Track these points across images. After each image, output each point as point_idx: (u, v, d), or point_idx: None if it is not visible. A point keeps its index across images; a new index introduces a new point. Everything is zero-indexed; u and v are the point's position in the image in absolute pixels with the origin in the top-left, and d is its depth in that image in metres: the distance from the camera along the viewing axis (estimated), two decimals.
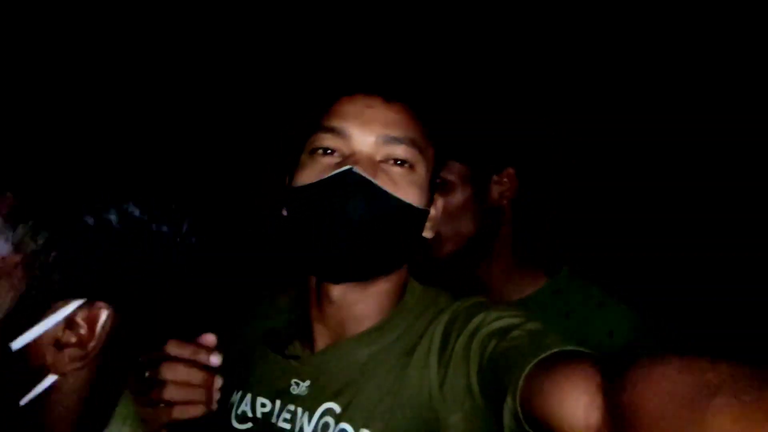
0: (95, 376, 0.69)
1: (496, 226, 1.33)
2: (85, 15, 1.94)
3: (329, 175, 0.84)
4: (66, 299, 0.63)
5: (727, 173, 2.12)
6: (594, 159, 2.19)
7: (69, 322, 0.64)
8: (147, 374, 0.81)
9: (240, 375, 0.99)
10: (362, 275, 0.90)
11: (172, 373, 0.79)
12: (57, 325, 0.63)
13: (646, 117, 2.15)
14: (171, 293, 0.72)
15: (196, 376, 0.80)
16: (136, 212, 0.66)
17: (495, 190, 1.32)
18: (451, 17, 2.10)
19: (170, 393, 0.79)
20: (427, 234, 0.97)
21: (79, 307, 0.64)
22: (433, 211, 0.97)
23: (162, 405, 0.81)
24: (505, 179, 1.32)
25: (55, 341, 0.64)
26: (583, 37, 2.18)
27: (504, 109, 1.37)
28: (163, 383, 0.79)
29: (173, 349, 0.81)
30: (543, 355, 0.68)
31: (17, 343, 0.61)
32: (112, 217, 0.65)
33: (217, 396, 0.84)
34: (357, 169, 0.83)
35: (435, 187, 0.97)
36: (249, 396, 0.96)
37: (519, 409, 0.66)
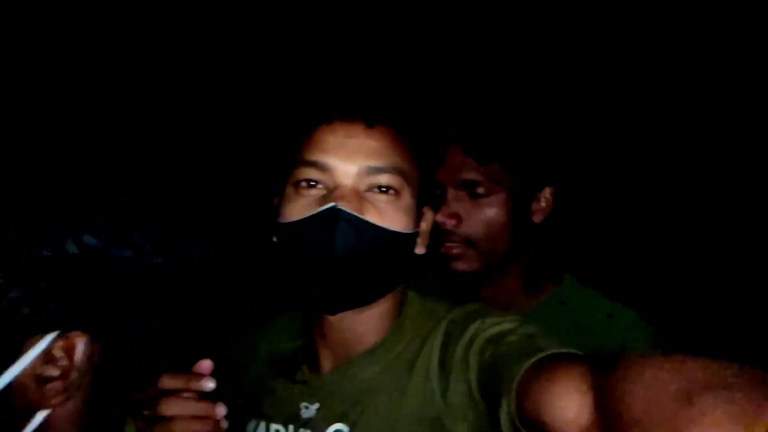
0: (88, 404, 0.69)
1: (527, 244, 1.29)
2: (64, 23, 1.98)
3: (313, 213, 0.84)
4: (39, 334, 0.64)
5: (728, 175, 2.09)
6: (592, 162, 2.18)
7: (47, 356, 0.65)
8: (147, 413, 0.81)
9: (254, 403, 1.00)
10: (356, 305, 0.90)
11: (171, 408, 0.78)
12: (35, 361, 0.64)
13: (647, 119, 2.15)
14: (152, 315, 0.73)
15: (195, 407, 0.79)
16: (93, 241, 0.67)
17: (535, 209, 1.28)
18: (429, 32, 2.12)
19: (177, 428, 0.78)
20: (420, 250, 0.97)
21: (55, 340, 0.65)
22: (423, 226, 0.97)
23: None
24: (544, 198, 1.29)
25: (36, 377, 0.64)
26: (580, 43, 2.19)
27: (544, 125, 1.34)
28: (167, 419, 0.78)
29: (166, 382, 0.80)
30: (536, 358, 0.69)
31: None
32: (70, 247, 0.66)
33: (224, 424, 0.82)
34: (341, 206, 0.83)
35: (423, 203, 0.97)
36: (263, 424, 0.97)
37: (514, 411, 0.67)
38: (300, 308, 1.03)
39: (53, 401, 0.65)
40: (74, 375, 0.66)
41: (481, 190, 1.21)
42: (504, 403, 0.69)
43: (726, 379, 0.47)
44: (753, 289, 1.86)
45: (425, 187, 0.97)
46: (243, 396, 1.02)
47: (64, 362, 0.65)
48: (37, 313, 0.64)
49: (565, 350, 0.71)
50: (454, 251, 1.22)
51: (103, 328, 0.68)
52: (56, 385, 0.65)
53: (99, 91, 2.02)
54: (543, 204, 1.29)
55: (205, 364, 0.82)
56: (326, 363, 0.96)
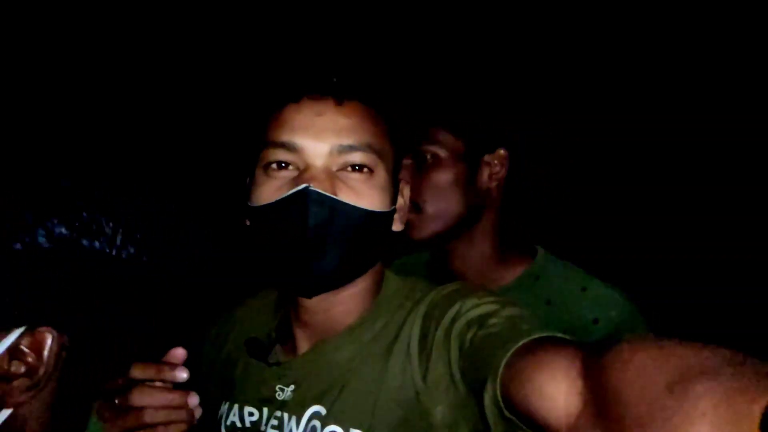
0: (55, 400, 0.68)
1: (480, 209, 1.27)
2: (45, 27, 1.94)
3: (285, 195, 0.82)
4: (5, 330, 0.62)
5: (724, 174, 2.11)
6: (590, 158, 2.17)
7: (13, 352, 0.63)
8: (117, 401, 0.79)
9: (226, 385, 0.98)
10: (333, 287, 0.89)
11: (141, 398, 0.76)
12: (1, 357, 0.62)
13: (642, 116, 2.15)
14: (122, 306, 0.71)
15: (167, 397, 0.77)
16: (63, 230, 0.65)
17: (485, 171, 1.26)
18: (430, 31, 2.10)
19: (148, 417, 0.76)
20: (397, 227, 0.96)
21: (21, 336, 0.63)
22: (400, 201, 0.96)
23: (141, 430, 0.79)
24: (497, 160, 1.26)
25: (1, 374, 0.63)
26: (578, 33, 2.18)
27: (499, 91, 1.34)
28: (137, 409, 0.76)
29: (137, 372, 0.78)
30: (522, 342, 0.67)
31: None
32: (41, 239, 0.64)
33: (198, 412, 0.80)
34: (313, 186, 0.81)
35: (398, 180, 0.95)
36: (236, 406, 0.95)
37: (500, 396, 0.66)
38: (276, 290, 1.01)
39: (20, 398, 0.63)
40: (41, 372, 0.64)
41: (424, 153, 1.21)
42: (489, 388, 0.67)
43: (718, 365, 0.46)
44: (751, 289, 1.89)
45: (401, 162, 0.95)
46: (215, 378, 1.00)
47: (31, 358, 0.64)
48: (3, 308, 0.62)
49: (550, 334, 0.69)
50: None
51: (73, 323, 0.66)
52: (23, 382, 0.63)
53: (96, 91, 1.97)
54: (496, 167, 1.27)
55: (178, 353, 0.80)
56: (302, 344, 0.94)
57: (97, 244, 0.67)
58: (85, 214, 0.67)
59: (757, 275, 1.92)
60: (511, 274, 1.26)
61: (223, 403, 0.97)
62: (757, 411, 0.41)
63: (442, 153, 1.22)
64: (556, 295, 1.19)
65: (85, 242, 0.66)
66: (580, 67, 2.19)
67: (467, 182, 1.23)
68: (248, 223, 0.91)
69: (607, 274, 1.24)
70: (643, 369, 0.50)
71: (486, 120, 1.25)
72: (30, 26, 1.93)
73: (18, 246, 0.62)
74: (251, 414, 0.93)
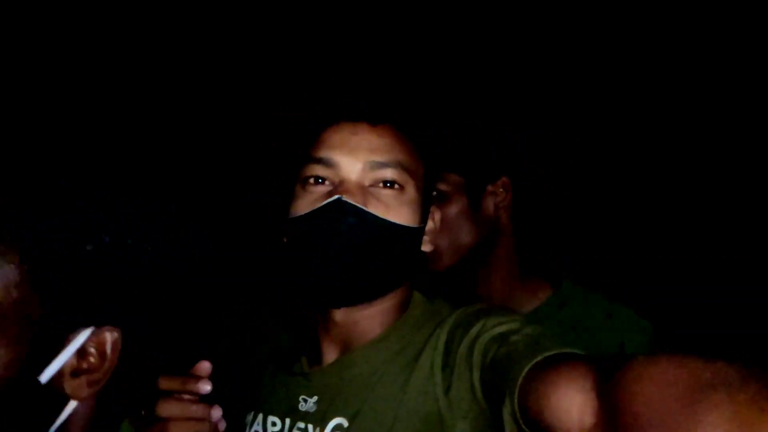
0: (100, 398, 0.74)
1: (494, 237, 1.32)
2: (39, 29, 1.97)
3: (319, 206, 0.88)
4: (77, 330, 0.70)
5: (726, 175, 2.12)
6: (591, 162, 2.18)
7: (80, 351, 0.70)
8: (143, 412, 0.83)
9: (251, 395, 1.02)
10: (361, 299, 0.93)
11: (167, 410, 0.82)
12: (72, 354, 0.70)
13: (644, 118, 2.17)
14: (168, 309, 0.78)
15: (191, 409, 0.82)
16: (127, 239, 0.73)
17: (490, 200, 1.32)
18: (430, 31, 2.16)
19: (173, 428, 0.82)
20: (426, 248, 1.00)
21: (90, 335, 0.71)
22: (430, 224, 1.00)
23: None
24: (501, 189, 1.32)
25: (72, 370, 0.70)
26: (575, 41, 2.20)
27: (494, 117, 1.40)
28: (163, 420, 0.82)
29: (164, 384, 0.84)
30: (540, 357, 0.70)
31: (45, 376, 0.66)
32: (107, 241, 0.71)
33: (222, 425, 0.85)
34: (345, 198, 0.86)
35: (430, 201, 0.99)
36: (261, 416, 0.99)
37: (517, 411, 0.68)
38: (306, 303, 1.05)
39: (85, 393, 0.70)
40: (105, 368, 0.71)
41: None
42: (507, 402, 0.69)
43: (729, 379, 0.47)
44: (751, 289, 1.87)
45: (431, 184, 1.00)
46: (241, 388, 1.04)
47: (95, 357, 0.71)
48: (75, 311, 0.70)
49: (568, 350, 0.71)
50: None
51: (135, 321, 0.74)
52: (89, 377, 0.70)
53: (99, 90, 2.03)
54: (501, 195, 1.32)
55: (204, 366, 0.85)
56: (329, 356, 0.97)
57: (149, 248, 0.75)
58: (141, 221, 0.75)
59: (756, 274, 1.90)
60: (536, 300, 1.30)
61: (249, 413, 1.01)
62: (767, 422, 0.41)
63: (446, 188, 1.29)
64: (581, 321, 1.22)
65: (140, 250, 0.74)
66: (579, 68, 2.20)
67: (473, 213, 1.29)
68: (285, 239, 0.95)
69: (604, 272, 1.28)
70: (655, 383, 0.51)
71: (482, 153, 1.31)
72: (30, 28, 1.98)
73: (89, 247, 0.70)
74: (274, 424, 0.97)
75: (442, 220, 1.26)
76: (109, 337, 0.71)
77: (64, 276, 0.68)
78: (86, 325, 0.70)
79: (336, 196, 0.87)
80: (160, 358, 0.80)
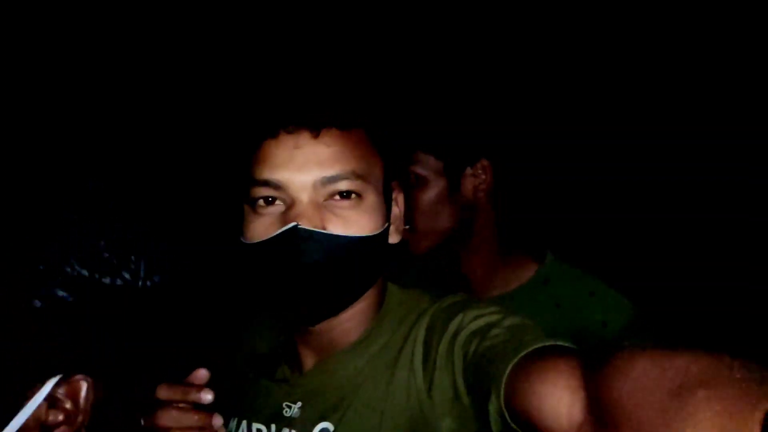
0: None
1: (473, 219, 1.30)
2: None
3: (275, 234, 0.82)
4: (41, 380, 0.63)
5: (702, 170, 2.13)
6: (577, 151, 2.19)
7: (51, 401, 0.63)
8: (143, 422, 0.80)
9: (234, 402, 0.99)
10: (334, 313, 0.89)
11: (167, 419, 0.79)
12: (39, 408, 0.63)
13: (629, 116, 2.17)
14: (145, 337, 0.72)
15: (192, 418, 0.79)
16: (84, 272, 0.65)
17: (469, 183, 1.28)
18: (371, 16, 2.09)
19: None
20: (394, 239, 0.96)
21: (58, 384, 0.63)
22: (395, 210, 0.96)
23: None
24: (480, 171, 1.29)
25: (41, 424, 0.63)
26: (558, 32, 2.17)
27: (474, 101, 1.35)
28: (164, 429, 0.79)
29: (164, 393, 0.80)
30: (525, 352, 0.68)
31: None
32: (59, 292, 0.64)
33: None
34: (302, 224, 0.81)
35: (391, 191, 0.94)
36: (244, 423, 0.97)
37: (503, 406, 0.67)
38: (277, 318, 1.03)
39: None
40: (80, 418, 0.64)
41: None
42: (493, 398, 0.68)
43: (719, 373, 0.46)
44: (731, 272, 1.93)
45: (391, 172, 0.94)
46: (223, 394, 1.02)
47: (69, 406, 0.64)
48: (38, 360, 0.62)
49: (552, 342, 0.70)
50: None
51: (104, 363, 0.67)
52: (62, 430, 0.64)
53: (77, 97, 1.96)
54: (480, 178, 1.29)
55: (201, 374, 0.82)
56: (308, 362, 0.95)
57: (118, 281, 0.68)
58: (105, 253, 0.67)
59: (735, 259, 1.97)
60: (520, 278, 1.29)
61: (232, 419, 0.98)
62: (758, 417, 0.41)
63: (424, 172, 1.26)
64: (565, 298, 1.22)
65: (106, 280, 0.67)
66: (559, 72, 2.21)
67: (452, 196, 1.26)
68: (243, 258, 0.90)
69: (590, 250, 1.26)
70: (644, 377, 0.50)
71: (460, 136, 1.27)
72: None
73: (37, 303, 0.62)
74: (259, 430, 0.95)
75: (421, 203, 1.25)
76: (83, 385, 0.63)
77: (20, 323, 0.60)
78: (51, 375, 0.62)
79: (291, 224, 0.81)
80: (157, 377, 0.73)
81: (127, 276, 0.69)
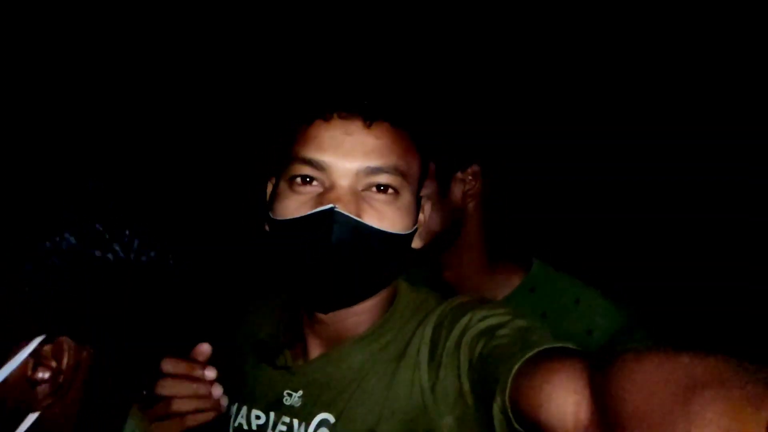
0: (83, 406, 0.71)
1: (460, 225, 1.29)
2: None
3: (311, 212, 0.82)
4: (27, 339, 0.66)
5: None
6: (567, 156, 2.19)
7: (37, 359, 0.67)
8: (145, 393, 0.83)
9: (235, 387, 1.00)
10: (351, 304, 0.90)
11: (170, 388, 0.81)
12: (25, 363, 0.66)
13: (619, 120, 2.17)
14: (142, 311, 0.74)
15: (192, 387, 0.82)
16: (72, 240, 0.68)
17: (458, 188, 1.27)
18: (419, 25, 2.12)
19: (177, 406, 0.82)
20: (417, 244, 0.96)
21: (44, 343, 0.67)
22: (421, 217, 0.96)
23: (172, 417, 0.83)
24: (470, 177, 1.28)
25: (26, 380, 0.67)
26: (554, 39, 2.18)
27: (469, 107, 1.35)
28: (167, 398, 0.82)
29: (168, 366, 0.83)
30: (530, 353, 0.68)
31: None
32: (53, 258, 0.67)
33: (224, 401, 0.85)
34: (339, 208, 0.81)
35: (420, 197, 0.95)
36: (244, 408, 0.98)
37: (509, 407, 0.66)
38: (292, 302, 1.03)
39: (44, 402, 0.67)
40: (63, 377, 0.68)
41: None
42: (498, 398, 0.68)
43: (723, 374, 0.46)
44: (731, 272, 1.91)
45: (425, 179, 0.95)
46: (224, 378, 1.04)
47: (53, 364, 0.67)
48: (25, 318, 0.66)
49: (560, 344, 0.70)
50: None
51: (90, 331, 0.70)
52: (46, 387, 0.67)
53: (111, 98, 2.03)
54: (470, 183, 1.27)
55: (204, 348, 0.84)
56: (314, 350, 0.95)
57: (110, 254, 0.71)
58: (98, 226, 0.71)
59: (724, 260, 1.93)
60: (507, 286, 1.28)
61: (232, 404, 0.99)
62: (763, 418, 0.41)
63: None
64: (550, 308, 1.21)
65: (97, 253, 0.70)
66: (551, 76, 2.21)
67: (441, 200, 1.25)
68: (269, 232, 0.91)
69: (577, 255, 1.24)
70: (649, 379, 0.50)
71: (452, 141, 1.26)
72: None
73: (29, 266, 0.66)
74: (258, 417, 0.95)
75: None
76: (67, 343, 0.67)
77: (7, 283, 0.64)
78: (38, 334, 0.66)
79: (329, 205, 0.81)
80: (145, 347, 0.76)
81: (118, 249, 0.72)
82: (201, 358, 0.85)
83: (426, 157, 0.94)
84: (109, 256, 0.71)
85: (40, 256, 0.66)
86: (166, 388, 0.81)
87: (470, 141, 1.28)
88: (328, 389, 0.91)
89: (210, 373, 0.82)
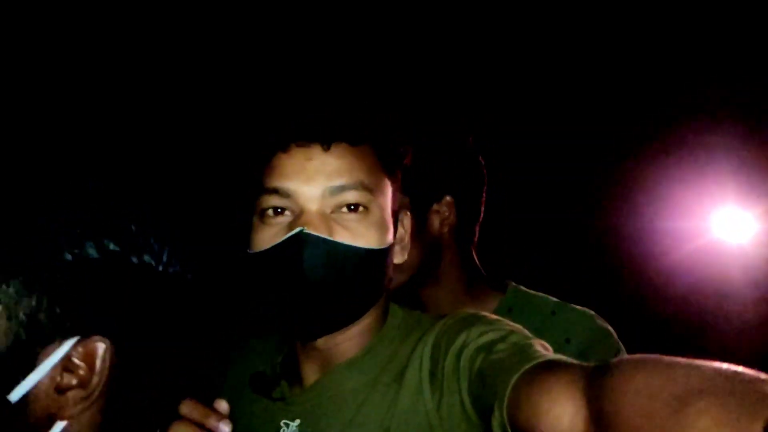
0: (102, 419, 0.66)
1: (438, 255, 1.32)
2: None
3: (281, 240, 0.83)
4: (58, 340, 0.62)
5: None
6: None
7: (66, 364, 0.62)
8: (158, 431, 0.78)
9: (231, 422, 0.97)
10: (338, 328, 0.90)
11: None
12: (54, 368, 0.61)
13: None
14: (163, 319, 0.71)
15: None
16: (112, 245, 0.65)
17: (435, 219, 1.31)
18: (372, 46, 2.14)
19: None
20: (399, 259, 0.97)
21: (74, 347, 0.62)
22: (401, 230, 0.96)
23: None
24: (445, 207, 1.31)
25: (55, 386, 0.62)
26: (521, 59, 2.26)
27: (442, 138, 1.39)
28: None
29: (185, 409, 0.79)
30: (527, 366, 0.68)
31: (15, 395, 0.59)
32: (91, 251, 0.63)
33: None
34: (308, 230, 0.82)
35: (397, 211, 0.96)
36: None
37: (506, 421, 0.67)
38: (280, 333, 1.02)
39: (73, 411, 0.62)
40: (94, 383, 0.63)
41: None
42: (497, 412, 0.68)
43: (718, 383, 0.46)
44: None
45: (397, 196, 0.96)
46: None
47: (83, 371, 0.63)
48: (55, 319, 0.61)
49: (556, 357, 0.71)
50: None
51: (124, 332, 0.66)
52: (76, 394, 0.62)
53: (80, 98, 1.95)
54: (445, 213, 1.31)
55: (223, 405, 0.81)
56: (310, 377, 0.94)
57: (146, 258, 0.67)
58: (133, 228, 0.67)
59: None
60: (486, 310, 1.30)
61: None
62: (759, 427, 0.41)
63: None
64: (528, 323, 1.29)
65: (134, 258, 0.66)
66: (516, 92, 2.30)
67: (419, 232, 1.27)
68: (248, 266, 0.91)
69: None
70: (645, 388, 0.50)
71: (428, 173, 1.30)
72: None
73: (68, 257, 0.62)
74: None
75: None
76: (99, 347, 0.62)
77: (40, 281, 0.59)
78: (69, 335, 0.61)
79: (298, 228, 0.82)
80: (164, 370, 0.72)
81: (149, 257, 0.69)
82: (221, 412, 0.82)
83: (393, 170, 0.95)
84: (145, 259, 0.68)
85: (79, 246, 0.62)
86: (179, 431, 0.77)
87: (443, 171, 1.32)
88: (325, 415, 0.89)
89: (225, 429, 0.78)
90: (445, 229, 1.31)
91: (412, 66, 2.22)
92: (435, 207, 1.31)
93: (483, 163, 1.41)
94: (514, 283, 1.35)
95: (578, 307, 1.27)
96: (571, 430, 0.58)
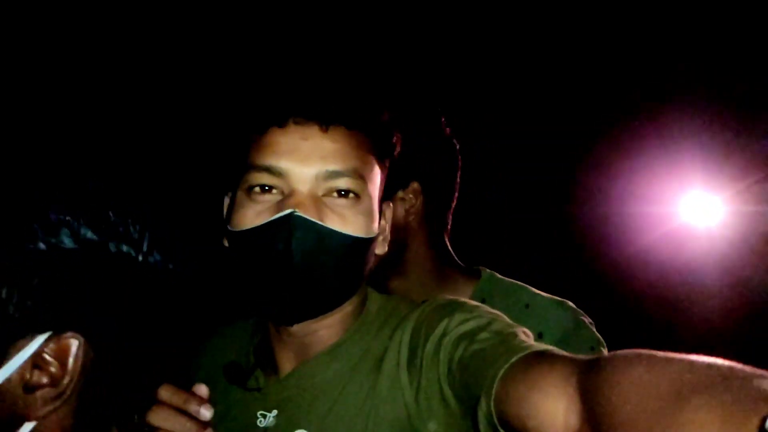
0: (74, 420, 0.62)
1: (405, 243, 1.28)
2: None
3: (270, 219, 0.80)
4: (29, 335, 0.57)
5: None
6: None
7: (36, 361, 0.58)
8: (136, 418, 0.75)
9: None
10: (318, 314, 0.87)
11: (162, 420, 0.75)
12: (23, 365, 0.57)
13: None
14: (143, 314, 0.67)
15: (185, 425, 0.75)
16: (89, 234, 0.60)
17: (400, 207, 1.26)
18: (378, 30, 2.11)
19: None
20: (380, 250, 0.94)
21: (46, 342, 0.58)
22: (382, 223, 0.94)
23: None
24: (411, 194, 1.27)
25: (23, 385, 0.57)
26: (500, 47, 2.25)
27: (407, 123, 1.36)
28: (155, 428, 0.75)
29: (165, 394, 0.76)
30: (516, 358, 0.67)
31: None
32: (66, 240, 0.59)
33: None
34: (299, 212, 0.79)
35: (383, 200, 0.94)
36: None
37: (494, 413, 0.65)
38: (257, 316, 0.99)
39: (42, 411, 0.58)
40: (65, 382, 0.59)
41: None
42: (483, 403, 0.67)
43: (714, 379, 0.46)
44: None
45: (384, 185, 0.94)
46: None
47: (54, 368, 0.59)
48: (26, 313, 0.57)
49: (544, 348, 0.69)
50: None
51: (99, 329, 0.62)
52: (46, 393, 0.58)
53: (120, 95, 1.87)
54: (411, 201, 1.27)
55: (203, 389, 0.78)
56: (285, 366, 0.92)
57: (124, 247, 0.63)
58: (112, 215, 0.63)
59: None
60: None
61: None
62: (754, 423, 0.40)
63: None
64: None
65: (112, 246, 0.62)
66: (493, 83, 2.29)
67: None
68: (228, 246, 0.88)
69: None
70: (639, 384, 0.50)
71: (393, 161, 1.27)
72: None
73: (41, 246, 0.57)
74: None
75: None
76: (73, 344, 0.58)
77: (9, 272, 0.55)
78: (41, 331, 0.57)
79: (289, 210, 0.79)
80: (143, 369, 0.68)
81: (128, 247, 0.64)
82: (201, 396, 0.79)
83: (384, 161, 0.93)
84: (123, 248, 0.63)
85: (54, 236, 0.58)
86: (158, 417, 0.75)
87: (409, 158, 1.24)
88: (302, 405, 0.87)
89: (206, 413, 0.75)
90: (411, 218, 1.26)
91: (413, 66, 2.20)
92: (400, 194, 1.25)
93: (458, 146, 1.36)
94: (488, 270, 1.32)
95: (554, 297, 1.25)
96: (565, 425, 0.57)
